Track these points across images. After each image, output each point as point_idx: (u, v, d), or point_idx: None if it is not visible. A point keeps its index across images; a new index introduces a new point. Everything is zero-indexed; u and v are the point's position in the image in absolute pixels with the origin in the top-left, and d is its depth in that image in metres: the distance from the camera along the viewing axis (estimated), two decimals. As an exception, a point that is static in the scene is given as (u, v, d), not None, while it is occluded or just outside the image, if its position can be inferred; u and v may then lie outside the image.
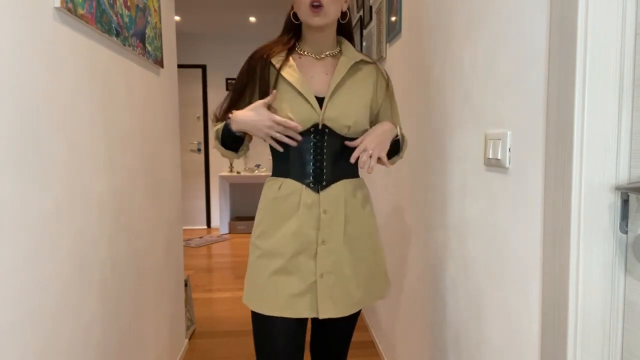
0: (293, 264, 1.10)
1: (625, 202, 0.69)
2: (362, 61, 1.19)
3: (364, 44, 2.52)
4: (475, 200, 1.09)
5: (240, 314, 2.82)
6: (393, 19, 1.85)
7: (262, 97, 1.12)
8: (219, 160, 5.54)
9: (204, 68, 5.45)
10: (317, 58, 1.18)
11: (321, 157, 1.12)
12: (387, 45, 1.99)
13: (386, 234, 2.09)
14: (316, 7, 1.07)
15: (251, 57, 1.17)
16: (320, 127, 1.11)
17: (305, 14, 1.10)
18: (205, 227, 5.61)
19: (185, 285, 2.45)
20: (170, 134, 2.08)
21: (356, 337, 2.60)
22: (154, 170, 1.81)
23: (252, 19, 4.66)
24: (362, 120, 1.15)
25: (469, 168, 1.13)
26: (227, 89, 5.47)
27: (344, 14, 1.16)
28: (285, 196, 1.12)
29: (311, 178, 1.12)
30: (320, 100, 1.12)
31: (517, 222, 0.90)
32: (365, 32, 2.47)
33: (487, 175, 1.03)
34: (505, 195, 0.94)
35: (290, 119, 1.08)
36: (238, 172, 5.26)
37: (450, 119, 1.24)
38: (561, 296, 0.74)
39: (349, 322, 1.26)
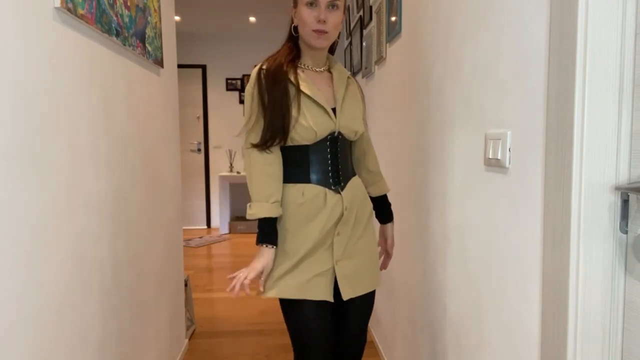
0: (315, 255, 1.20)
1: (625, 202, 0.69)
2: (348, 76, 1.32)
3: (364, 44, 2.52)
4: (475, 200, 1.09)
5: (240, 314, 2.83)
6: (393, 19, 1.85)
7: (279, 109, 1.15)
8: (219, 160, 5.55)
9: (204, 68, 5.45)
10: (316, 71, 1.27)
11: (337, 161, 1.24)
12: (387, 45, 1.99)
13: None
14: (321, 31, 1.16)
15: (268, 75, 1.18)
16: (336, 134, 1.22)
17: (309, 36, 1.18)
18: (205, 227, 5.62)
19: (185, 285, 2.45)
20: (170, 134, 2.08)
21: (356, 337, 2.61)
22: (154, 170, 1.81)
23: (252, 19, 4.66)
24: (362, 127, 1.29)
25: (469, 168, 1.13)
26: (227, 89, 5.47)
27: (334, 43, 1.28)
28: (310, 199, 1.20)
29: (331, 181, 1.23)
30: (332, 111, 1.22)
31: (517, 222, 0.90)
32: (365, 32, 2.47)
33: (487, 175, 1.03)
34: (505, 195, 0.94)
35: (313, 129, 1.16)
36: (238, 172, 5.26)
37: (450, 119, 1.24)
38: (561, 296, 0.74)
39: (367, 304, 1.34)
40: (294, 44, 1.25)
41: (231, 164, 5.37)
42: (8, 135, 0.84)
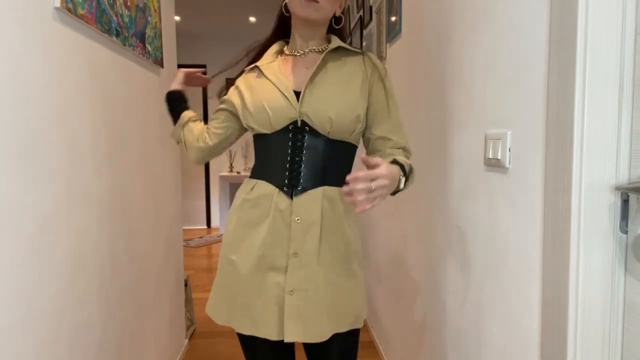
0: (261, 278, 1.01)
1: (625, 202, 0.69)
2: (345, 51, 1.07)
3: (364, 44, 2.52)
4: (475, 200, 1.09)
5: (240, 314, 2.82)
6: (393, 19, 1.85)
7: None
8: (219, 160, 5.54)
9: (204, 68, 5.45)
10: (300, 55, 1.08)
11: (299, 158, 1.01)
12: (387, 45, 1.99)
13: (386, 235, 2.08)
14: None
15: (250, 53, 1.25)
16: (299, 124, 1.00)
17: (297, 4, 1.00)
18: (205, 227, 5.62)
19: (185, 285, 2.45)
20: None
21: (356, 337, 2.61)
22: (154, 170, 1.81)
23: (252, 19, 4.66)
24: (347, 115, 1.00)
25: (469, 168, 1.13)
26: (227, 89, 5.47)
27: (338, 19, 1.08)
28: (255, 199, 1.03)
29: (286, 181, 1.01)
30: (300, 95, 1.01)
31: (517, 222, 0.90)
32: (365, 32, 2.47)
33: (487, 175, 1.03)
34: (505, 195, 0.94)
35: (267, 112, 1.01)
36: (238, 172, 5.27)
37: (450, 119, 1.24)
38: (561, 296, 0.74)
39: (342, 345, 1.08)
40: (282, 29, 1.17)
41: (231, 164, 5.37)
42: (8, 135, 0.84)
